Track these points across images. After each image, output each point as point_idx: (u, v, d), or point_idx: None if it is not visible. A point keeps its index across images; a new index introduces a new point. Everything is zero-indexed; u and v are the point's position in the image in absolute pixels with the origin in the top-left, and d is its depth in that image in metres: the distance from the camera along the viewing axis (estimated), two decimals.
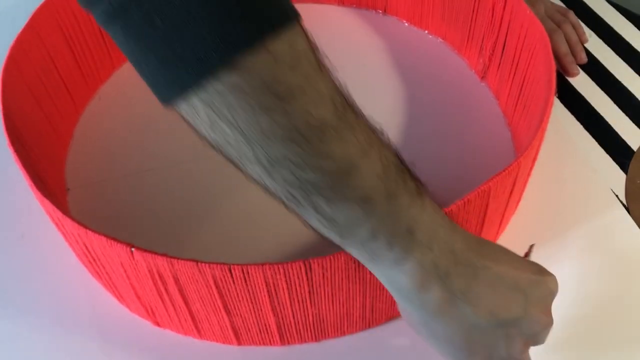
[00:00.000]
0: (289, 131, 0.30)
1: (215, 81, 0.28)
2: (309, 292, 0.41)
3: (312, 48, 0.31)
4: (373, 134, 0.34)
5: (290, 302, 0.42)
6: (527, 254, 0.50)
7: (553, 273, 0.40)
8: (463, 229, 0.38)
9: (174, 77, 0.29)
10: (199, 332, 0.47)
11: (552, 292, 0.39)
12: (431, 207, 0.35)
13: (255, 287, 0.40)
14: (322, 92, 0.31)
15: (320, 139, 0.30)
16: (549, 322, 0.39)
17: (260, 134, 0.30)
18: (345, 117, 0.32)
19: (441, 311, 0.35)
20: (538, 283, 0.38)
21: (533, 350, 0.40)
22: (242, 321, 0.44)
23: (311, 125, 0.30)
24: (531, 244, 0.52)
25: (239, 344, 0.47)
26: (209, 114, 0.29)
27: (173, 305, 0.44)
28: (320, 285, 0.41)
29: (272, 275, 0.39)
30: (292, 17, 0.30)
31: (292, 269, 0.39)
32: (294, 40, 0.29)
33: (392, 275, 0.35)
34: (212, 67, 0.28)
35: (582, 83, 0.67)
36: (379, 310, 0.46)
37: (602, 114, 0.63)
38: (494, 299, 0.36)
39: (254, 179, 0.33)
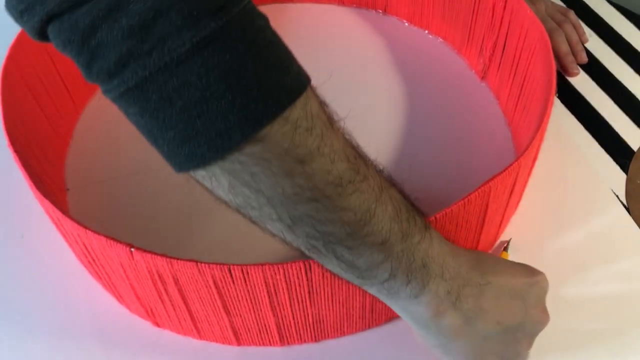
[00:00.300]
0: (310, 191, 0.30)
1: (237, 154, 0.29)
2: (309, 292, 0.41)
3: (322, 106, 0.32)
4: (381, 176, 0.35)
5: (290, 302, 0.42)
6: (506, 248, 0.51)
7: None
8: (462, 249, 0.40)
9: (194, 152, 0.29)
10: (199, 333, 0.47)
11: (545, 290, 0.42)
12: (437, 237, 0.37)
13: (254, 287, 0.40)
14: (336, 149, 0.31)
15: (339, 193, 0.31)
16: (547, 319, 0.41)
17: (283, 196, 0.30)
18: (358, 167, 0.32)
19: (456, 333, 0.37)
20: (532, 285, 0.40)
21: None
22: (242, 321, 0.44)
23: (330, 183, 0.31)
24: (509, 238, 0.52)
25: (239, 344, 0.47)
26: (230, 181, 0.30)
27: (173, 305, 0.44)
28: (319, 286, 0.41)
29: (271, 276, 0.39)
30: (304, 83, 0.30)
31: (292, 269, 0.39)
32: (308, 104, 0.30)
33: (409, 307, 0.37)
34: (235, 142, 0.28)
35: (582, 83, 0.67)
36: (378, 310, 0.46)
37: (602, 114, 0.63)
38: (498, 309, 0.38)
39: (272, 233, 0.33)
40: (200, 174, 0.30)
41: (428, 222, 0.37)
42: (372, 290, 0.37)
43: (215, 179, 0.30)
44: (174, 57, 0.26)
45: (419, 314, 0.37)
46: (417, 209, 0.36)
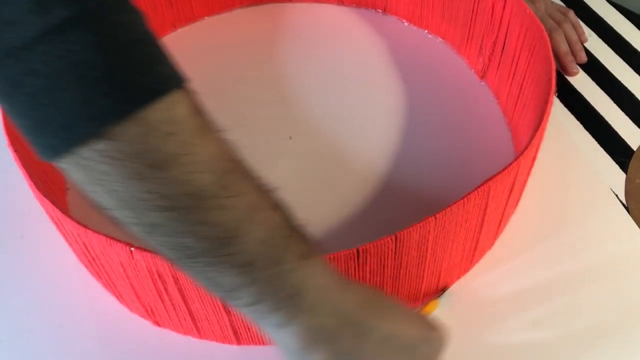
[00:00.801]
0: (163, 200, 0.29)
1: (85, 148, 0.27)
2: None
3: (195, 113, 0.30)
4: (260, 196, 0.32)
5: None
6: (440, 295, 0.49)
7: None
8: (358, 286, 0.37)
9: (46, 142, 0.28)
10: (199, 332, 0.47)
11: (437, 350, 0.39)
12: (320, 269, 0.35)
13: None
14: (200, 160, 0.30)
15: (197, 207, 0.30)
16: None
17: (135, 200, 0.29)
18: (226, 183, 0.31)
19: None
20: (424, 341, 0.38)
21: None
22: (242, 320, 0.44)
23: (187, 194, 0.29)
24: (448, 286, 0.50)
25: (239, 343, 0.47)
26: (83, 176, 0.29)
27: (172, 304, 0.44)
28: None
29: None
30: (170, 86, 0.29)
31: None
32: (174, 108, 0.29)
33: (279, 335, 0.35)
34: (80, 136, 0.27)
35: (582, 83, 0.67)
36: None
37: (602, 113, 0.63)
38: (379, 357, 0.36)
39: (136, 236, 0.32)
40: (60, 165, 0.29)
41: (314, 252, 0.34)
42: (242, 312, 0.34)
43: (71, 172, 0.29)
44: (21, 42, 0.26)
45: (287, 343, 0.35)
46: (301, 237, 0.34)
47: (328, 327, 0.34)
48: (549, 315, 0.48)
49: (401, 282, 0.45)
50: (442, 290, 0.50)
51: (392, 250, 0.41)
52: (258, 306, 0.33)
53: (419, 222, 0.40)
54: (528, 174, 0.52)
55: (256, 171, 0.33)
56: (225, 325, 0.45)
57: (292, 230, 0.34)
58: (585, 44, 0.70)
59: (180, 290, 0.41)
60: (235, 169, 0.32)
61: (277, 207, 0.33)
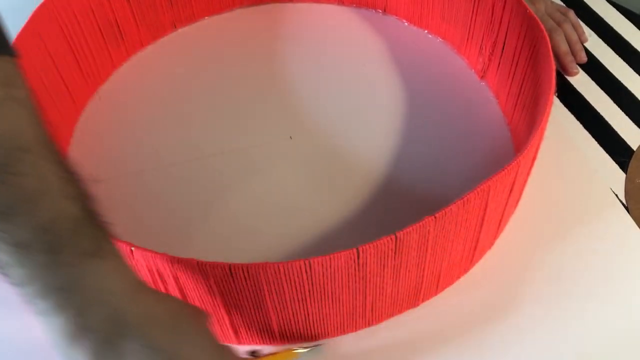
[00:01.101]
0: None
1: None
2: (310, 291, 0.41)
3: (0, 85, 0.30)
4: (57, 183, 0.32)
5: (291, 301, 0.42)
6: (310, 347, 0.47)
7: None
8: (164, 300, 0.36)
9: None
10: None
11: None
12: (108, 272, 0.33)
13: (255, 286, 0.40)
14: None
15: None
16: None
17: None
18: (13, 161, 0.30)
19: None
20: None
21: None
22: (242, 320, 0.44)
23: None
24: (322, 343, 0.47)
25: (239, 343, 0.47)
26: None
27: None
28: (320, 284, 0.41)
29: (272, 275, 0.39)
30: None
31: (293, 268, 0.39)
32: None
33: (45, 323, 0.33)
34: None
35: (582, 83, 0.67)
36: (379, 308, 0.46)
37: (602, 113, 0.63)
38: None
39: None
40: None
41: (103, 253, 0.33)
42: (13, 290, 0.33)
43: None
44: None
45: (51, 333, 0.33)
46: (97, 236, 0.34)
47: (97, 331, 0.33)
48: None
49: (401, 282, 0.45)
50: (316, 344, 0.47)
51: (392, 250, 0.41)
52: (27, 289, 0.32)
53: (419, 222, 0.40)
54: (528, 174, 0.52)
55: (63, 156, 0.32)
56: (226, 325, 0.45)
57: (85, 225, 0.33)
58: (585, 44, 0.70)
59: (181, 289, 0.41)
60: (34, 150, 0.31)
61: (77, 199, 0.33)
